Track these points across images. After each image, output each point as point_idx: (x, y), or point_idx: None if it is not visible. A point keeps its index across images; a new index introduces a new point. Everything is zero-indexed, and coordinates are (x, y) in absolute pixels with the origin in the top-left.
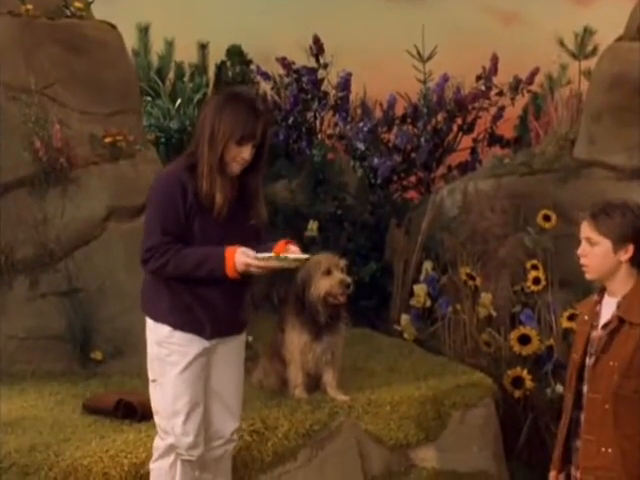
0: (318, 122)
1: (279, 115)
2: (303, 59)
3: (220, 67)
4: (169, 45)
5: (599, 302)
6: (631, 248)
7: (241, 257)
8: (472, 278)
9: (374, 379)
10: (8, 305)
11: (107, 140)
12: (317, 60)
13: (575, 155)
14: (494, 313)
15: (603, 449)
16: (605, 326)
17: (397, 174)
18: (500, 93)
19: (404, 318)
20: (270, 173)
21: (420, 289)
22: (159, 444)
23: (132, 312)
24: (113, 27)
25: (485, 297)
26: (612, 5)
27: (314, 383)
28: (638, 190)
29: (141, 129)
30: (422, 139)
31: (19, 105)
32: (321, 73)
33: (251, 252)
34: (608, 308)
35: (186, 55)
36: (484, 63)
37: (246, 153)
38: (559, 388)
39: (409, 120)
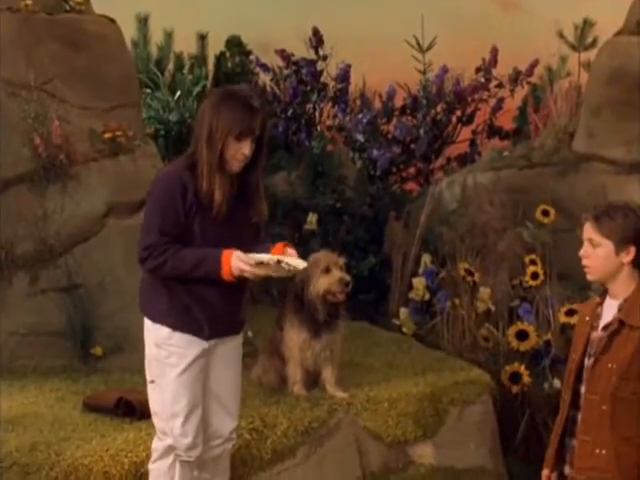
0: (317, 114)
1: (278, 107)
2: (302, 49)
3: (219, 58)
4: (168, 36)
5: (600, 304)
6: (633, 250)
7: (236, 262)
8: (470, 274)
9: (372, 375)
10: (8, 301)
11: (106, 135)
12: (316, 52)
13: (574, 148)
14: (492, 308)
15: (597, 450)
16: (605, 328)
17: (396, 165)
18: (499, 85)
19: (403, 312)
20: (269, 165)
21: (419, 282)
22: (158, 445)
23: (132, 308)
24: (112, 21)
25: (484, 292)
26: None
27: (313, 380)
28: (636, 184)
29: (140, 123)
30: (421, 130)
31: (19, 101)
32: (320, 65)
33: (246, 257)
34: (609, 310)
35: (185, 46)
36: (484, 52)
37: (246, 149)
38: (556, 383)
39: (408, 111)
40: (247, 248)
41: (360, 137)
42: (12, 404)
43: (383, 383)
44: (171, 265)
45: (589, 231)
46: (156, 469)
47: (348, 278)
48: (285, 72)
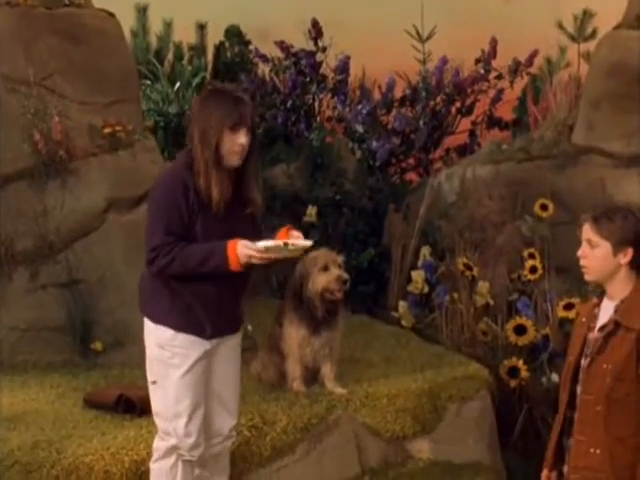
0: (317, 105)
1: (278, 98)
2: (301, 37)
3: (219, 48)
4: (167, 26)
5: (598, 304)
6: (630, 251)
7: (243, 249)
8: (469, 268)
9: (371, 370)
10: (8, 296)
11: (106, 130)
12: (316, 43)
13: (573, 141)
14: (491, 302)
15: (592, 450)
16: (602, 329)
17: (396, 156)
18: (499, 76)
19: (402, 305)
20: (268, 157)
21: (418, 275)
22: (159, 445)
23: (132, 303)
24: (111, 15)
25: (482, 286)
26: None
27: (312, 376)
28: (635, 177)
29: (140, 118)
30: (421, 122)
31: (18, 97)
32: (319, 56)
33: (251, 244)
34: (606, 311)
35: (185, 36)
36: (483, 42)
37: (242, 138)
38: (554, 377)
39: (408, 102)
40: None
41: (359, 128)
42: (13, 400)
43: (382, 379)
44: (179, 263)
45: (588, 232)
46: (158, 469)
47: (346, 276)
48: (284, 63)
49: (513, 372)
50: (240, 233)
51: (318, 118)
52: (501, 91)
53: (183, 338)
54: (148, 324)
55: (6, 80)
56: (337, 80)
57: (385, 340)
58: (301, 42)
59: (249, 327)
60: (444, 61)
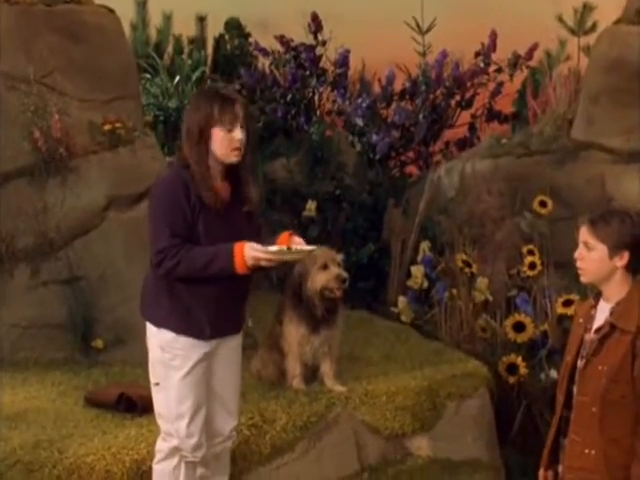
0: (317, 98)
1: (278, 92)
2: (301, 31)
3: (218, 40)
4: (167, 19)
5: (594, 306)
6: (626, 255)
7: (250, 251)
8: (468, 265)
9: (371, 368)
10: (9, 294)
11: (106, 127)
12: (315, 37)
13: (573, 136)
14: (490, 298)
15: (587, 450)
16: (597, 330)
17: (395, 150)
18: (499, 70)
19: (401, 300)
20: (268, 151)
21: (417, 270)
22: (162, 446)
23: (132, 301)
24: (111, 11)
25: (481, 282)
26: None
27: (311, 373)
28: (634, 174)
29: (140, 114)
30: (420, 115)
31: (18, 95)
32: (319, 50)
33: (259, 246)
34: (602, 313)
35: (184, 28)
36: (483, 34)
37: (238, 134)
38: (553, 373)
39: (408, 96)
40: (252, 240)
41: (359, 121)
42: (15, 398)
43: (381, 376)
44: (185, 265)
45: (585, 234)
46: (160, 470)
47: (345, 275)
48: (284, 58)
49: (512, 369)
50: (241, 231)
51: (318, 112)
52: (501, 84)
53: (184, 341)
54: (150, 327)
55: (6, 78)
56: (337, 74)
57: (384, 336)
58: (301, 33)
59: (249, 323)
60: (444, 54)
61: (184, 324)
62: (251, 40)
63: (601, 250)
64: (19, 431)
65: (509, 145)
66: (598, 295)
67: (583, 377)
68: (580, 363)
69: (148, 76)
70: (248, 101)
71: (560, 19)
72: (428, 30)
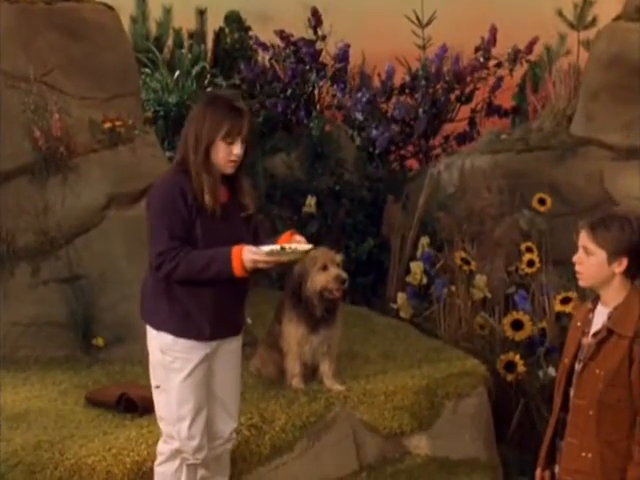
0: (317, 92)
1: (278, 86)
2: (301, 24)
3: (218, 34)
4: (167, 12)
5: (592, 310)
6: (625, 261)
7: (248, 254)
8: (467, 262)
9: (369, 366)
10: (11, 292)
11: (106, 126)
12: (315, 32)
13: (572, 132)
14: (489, 295)
15: (583, 453)
16: (595, 335)
17: (395, 144)
18: (499, 65)
19: (400, 297)
20: (268, 146)
21: (416, 266)
22: (164, 448)
23: (133, 299)
24: (111, 8)
25: (480, 279)
26: None
27: (311, 372)
28: (633, 170)
29: (140, 112)
30: (420, 110)
31: (18, 94)
32: (319, 44)
33: (256, 248)
34: (600, 317)
35: (184, 22)
36: (483, 27)
37: (237, 149)
38: (551, 371)
39: (407, 90)
40: (249, 243)
41: (359, 116)
42: (16, 398)
43: (380, 375)
44: (183, 268)
45: (584, 239)
46: (162, 472)
47: (345, 275)
48: (284, 53)
49: (510, 366)
50: (240, 235)
51: (318, 106)
52: (501, 79)
53: (183, 343)
54: (150, 330)
55: (6, 77)
56: (337, 68)
57: (383, 334)
58: (300, 26)
59: (248, 320)
60: (444, 49)
61: (183, 327)
62: (251, 34)
63: (600, 255)
64: (21, 431)
65: (509, 141)
66: (596, 299)
67: (580, 380)
68: (577, 366)
69: (148, 71)
70: (248, 95)
71: (560, 13)
72: (428, 23)
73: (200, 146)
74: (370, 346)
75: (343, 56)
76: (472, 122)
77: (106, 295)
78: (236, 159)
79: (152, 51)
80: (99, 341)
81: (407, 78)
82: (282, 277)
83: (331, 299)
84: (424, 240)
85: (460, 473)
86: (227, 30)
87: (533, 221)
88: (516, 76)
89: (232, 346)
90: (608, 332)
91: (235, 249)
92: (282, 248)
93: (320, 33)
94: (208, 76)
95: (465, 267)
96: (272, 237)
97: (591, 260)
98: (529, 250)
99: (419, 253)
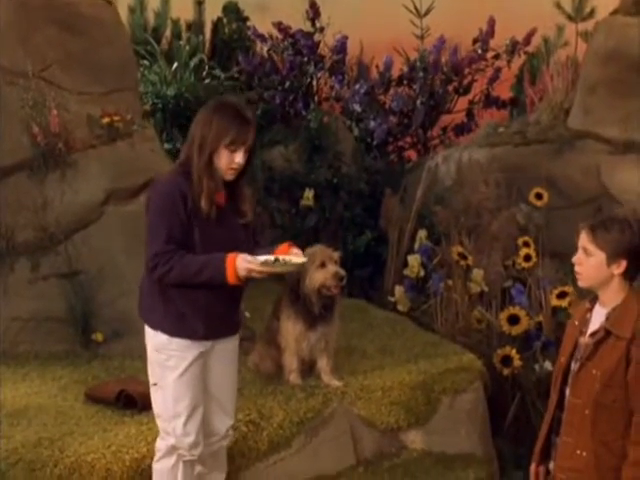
0: (315, 85)
1: (276, 79)
2: (299, 16)
3: (216, 24)
4: (165, 2)
5: (590, 310)
6: (624, 263)
7: (242, 263)
8: (464, 257)
9: (367, 361)
10: (10, 287)
11: (104, 121)
12: (313, 24)
13: (570, 125)
14: (486, 289)
15: (578, 452)
16: (593, 335)
17: (393, 136)
18: (497, 56)
19: (398, 290)
20: (267, 139)
21: (414, 259)
22: (161, 445)
23: (131, 295)
24: (109, 2)
25: (477, 273)
26: None
27: (308, 368)
28: (630, 164)
29: (138, 106)
30: (418, 101)
31: (17, 89)
32: (317, 36)
33: (252, 257)
34: (598, 317)
35: (182, 12)
36: (482, 17)
37: (239, 158)
38: (547, 365)
39: (405, 82)
40: (245, 251)
41: (357, 107)
42: (16, 394)
43: (377, 370)
44: (176, 272)
45: (584, 240)
46: (159, 469)
47: (343, 273)
48: (282, 45)
49: (506, 361)
50: (237, 240)
51: (316, 98)
52: (499, 70)
53: (178, 342)
54: (147, 329)
55: (5, 73)
56: (335, 60)
57: (381, 328)
58: (298, 18)
59: (246, 314)
60: (442, 40)
61: (177, 327)
62: (249, 24)
63: (599, 257)
64: (21, 428)
65: (506, 134)
66: (594, 298)
67: (577, 380)
68: (574, 366)
69: (146, 63)
70: (246, 87)
71: (558, 5)
72: (426, 13)
73: (204, 151)
74: (367, 341)
75: (341, 48)
76: (470, 113)
77: (105, 290)
78: (237, 167)
79: (150, 43)
80: (98, 336)
81: (405, 69)
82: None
83: (329, 296)
84: (422, 233)
85: (456, 468)
86: (225, 20)
87: (530, 215)
88: (514, 67)
89: (228, 345)
90: (606, 333)
91: (229, 257)
92: (276, 259)
93: (318, 25)
94: (206, 68)
95: (462, 262)
96: (269, 247)
97: (590, 261)
98: (526, 244)
99: (417, 246)
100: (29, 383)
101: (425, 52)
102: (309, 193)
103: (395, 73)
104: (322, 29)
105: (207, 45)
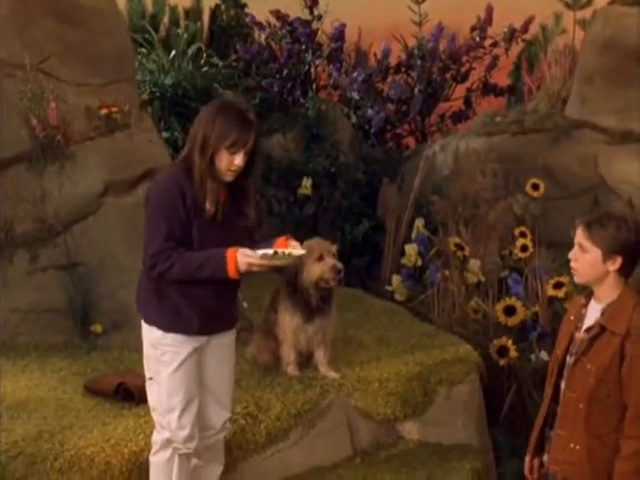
0: (313, 72)
1: (274, 67)
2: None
3: (214, 11)
4: None
5: (585, 305)
6: (619, 260)
7: (243, 257)
8: (461, 248)
9: (364, 352)
10: (10, 279)
11: (102, 112)
12: (311, 12)
13: (567, 114)
14: (482, 279)
15: (572, 445)
16: (588, 330)
17: (391, 123)
18: (494, 44)
19: (395, 279)
20: (265, 127)
21: (411, 249)
22: (156, 438)
23: (130, 286)
24: None
25: (474, 264)
26: None
27: (306, 359)
28: (627, 154)
29: (136, 97)
30: (416, 89)
31: (15, 82)
32: (315, 24)
33: (251, 251)
34: (593, 312)
35: None
36: (480, 4)
37: (239, 160)
38: (543, 354)
39: (403, 70)
40: (243, 246)
41: (355, 95)
42: (16, 386)
43: (374, 362)
44: (177, 268)
45: (580, 236)
46: (156, 462)
47: (340, 266)
48: (280, 33)
49: (502, 351)
50: (236, 241)
51: (314, 85)
52: (496, 57)
53: (173, 337)
54: (143, 324)
55: (3, 65)
56: (333, 48)
57: (378, 318)
58: (296, 6)
59: (244, 304)
60: (440, 28)
61: (172, 322)
62: (247, 11)
63: (595, 253)
64: (21, 421)
65: (504, 123)
66: (590, 293)
67: (572, 374)
68: (569, 360)
69: (144, 50)
70: (244, 75)
71: None
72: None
73: (206, 152)
74: (364, 331)
75: (339, 36)
76: (468, 101)
77: (104, 282)
78: (236, 169)
79: (148, 31)
80: (97, 328)
81: (403, 56)
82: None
83: (326, 288)
84: (419, 222)
85: (452, 458)
86: (223, 7)
87: (527, 206)
88: (512, 55)
89: (224, 340)
90: (601, 329)
91: (230, 251)
92: (275, 252)
93: (316, 13)
94: (204, 56)
95: (459, 253)
96: (268, 241)
97: (586, 257)
98: (523, 235)
99: (414, 235)
100: (29, 375)
101: (423, 40)
102: (307, 182)
103: (393, 60)
104: (320, 17)
105: (205, 32)
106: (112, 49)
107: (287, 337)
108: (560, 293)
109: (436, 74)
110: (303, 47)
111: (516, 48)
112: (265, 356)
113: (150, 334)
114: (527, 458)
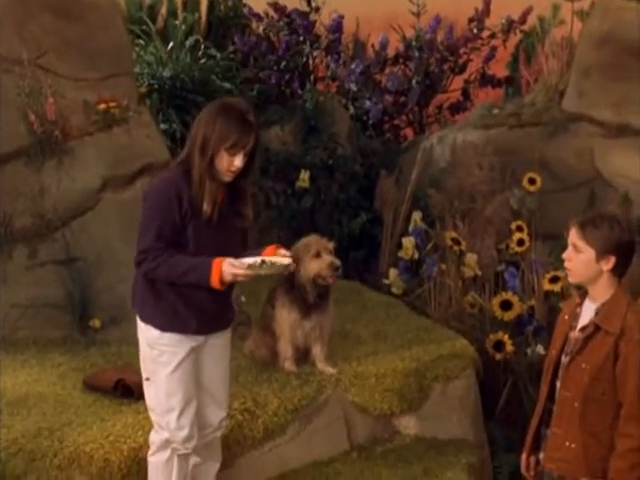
0: (311, 64)
1: (272, 59)
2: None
3: (212, 2)
4: None
5: (580, 305)
6: (612, 260)
7: (228, 268)
8: (457, 242)
9: (360, 347)
10: (9, 274)
11: (100, 107)
12: (309, 3)
13: (564, 107)
14: (479, 273)
15: (567, 443)
16: (582, 329)
17: (389, 115)
18: (492, 35)
19: (392, 272)
20: (263, 119)
21: (408, 242)
22: (155, 438)
23: (128, 281)
24: None
25: (470, 258)
26: None
27: (303, 355)
28: (623, 148)
29: (134, 91)
30: (414, 81)
31: (13, 77)
32: (313, 16)
33: (237, 262)
34: (587, 312)
35: None
36: None
37: (238, 161)
38: (539, 349)
39: (401, 61)
40: (238, 253)
41: (353, 87)
42: (16, 382)
43: (371, 357)
44: (163, 270)
45: (574, 236)
46: (154, 462)
47: (338, 262)
48: (278, 25)
49: (498, 346)
50: (231, 243)
51: (312, 77)
52: (494, 49)
53: (170, 337)
54: (140, 323)
55: (1, 61)
56: (330, 40)
57: (375, 312)
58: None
59: (242, 298)
60: (437, 20)
61: (169, 321)
62: (245, 2)
63: (589, 253)
64: (21, 418)
65: (501, 115)
66: (584, 293)
67: (567, 373)
68: (564, 359)
69: (142, 42)
70: (242, 66)
71: None
72: None
73: (206, 153)
74: (362, 325)
75: (337, 27)
76: (465, 92)
77: (102, 277)
78: (235, 170)
79: (145, 22)
80: (96, 322)
81: (401, 47)
82: None
83: (324, 285)
84: (416, 215)
85: (448, 453)
86: None
87: (523, 200)
88: (509, 46)
89: (220, 340)
90: (595, 328)
91: (216, 262)
92: (263, 262)
93: (314, 4)
94: (202, 47)
95: (455, 247)
96: (257, 249)
97: (580, 257)
98: (519, 229)
99: (411, 228)
100: (28, 370)
101: (421, 31)
102: (305, 174)
103: (391, 51)
104: (318, 8)
105: (202, 23)
106: (110, 44)
107: (284, 333)
108: (556, 287)
109: (434, 65)
110: (301, 39)
111: (514, 39)
112: (262, 352)
113: (147, 333)
114: (523, 456)
